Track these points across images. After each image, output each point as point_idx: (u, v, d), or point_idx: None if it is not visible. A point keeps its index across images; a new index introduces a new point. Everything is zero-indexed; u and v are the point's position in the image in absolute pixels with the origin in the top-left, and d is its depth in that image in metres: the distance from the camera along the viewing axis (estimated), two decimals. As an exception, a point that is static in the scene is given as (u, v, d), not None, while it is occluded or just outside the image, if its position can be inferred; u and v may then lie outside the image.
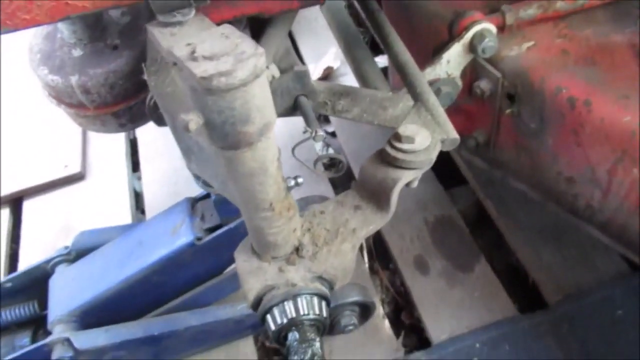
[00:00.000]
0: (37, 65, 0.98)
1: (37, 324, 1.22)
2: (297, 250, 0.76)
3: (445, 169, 1.60)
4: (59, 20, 0.73)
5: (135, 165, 1.85)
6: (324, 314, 0.75)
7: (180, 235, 1.04)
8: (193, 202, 1.11)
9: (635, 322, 1.21)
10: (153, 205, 1.62)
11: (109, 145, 1.84)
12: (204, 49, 0.56)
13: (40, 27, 1.03)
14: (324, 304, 0.76)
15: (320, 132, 0.92)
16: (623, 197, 0.99)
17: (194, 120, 0.57)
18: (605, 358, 1.17)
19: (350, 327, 1.24)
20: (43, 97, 1.04)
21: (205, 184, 0.98)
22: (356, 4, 1.19)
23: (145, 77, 0.80)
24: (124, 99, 1.00)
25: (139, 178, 1.81)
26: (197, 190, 1.59)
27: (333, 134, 1.78)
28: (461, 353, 1.22)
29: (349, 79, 1.92)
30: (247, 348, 1.29)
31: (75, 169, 1.72)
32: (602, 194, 1.03)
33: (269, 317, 0.74)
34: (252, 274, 0.75)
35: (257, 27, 0.98)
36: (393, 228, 1.47)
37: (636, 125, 0.90)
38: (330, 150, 1.47)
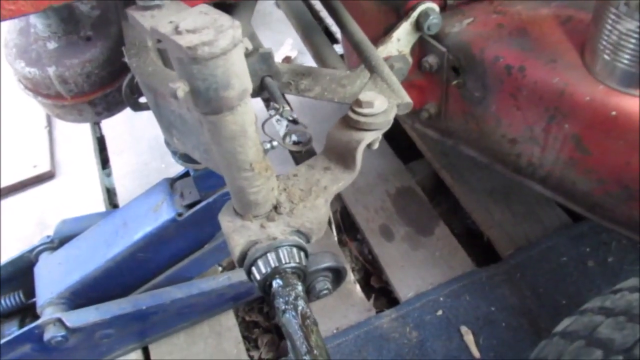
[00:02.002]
0: (13, 59, 1.03)
1: (24, 314, 1.25)
2: (276, 208, 0.84)
3: (402, 145, 1.71)
4: (43, 10, 0.79)
5: (103, 163, 1.88)
6: (303, 262, 0.84)
7: (163, 213, 1.10)
8: (171, 182, 1.17)
9: (578, 265, 1.35)
10: (126, 198, 1.67)
11: (77, 144, 1.87)
12: (187, 24, 0.63)
13: (13, 22, 1.08)
14: (302, 254, 0.84)
15: (287, 108, 1.00)
16: (558, 150, 1.11)
17: (181, 88, 0.65)
18: (554, 298, 1.30)
19: (325, 292, 1.31)
20: (18, 90, 1.09)
21: (184, 160, 1.05)
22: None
23: (126, 59, 0.86)
24: (100, 87, 1.06)
25: (108, 175, 1.85)
26: (169, 179, 1.65)
27: (294, 122, 1.86)
28: (427, 306, 1.33)
29: (307, 67, 2.01)
30: (229, 321, 1.37)
31: (44, 168, 1.74)
32: (540, 150, 1.15)
33: (254, 269, 0.82)
34: (237, 232, 0.83)
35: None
36: (358, 201, 1.57)
37: (565, 84, 1.02)
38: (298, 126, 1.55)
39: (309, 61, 2.03)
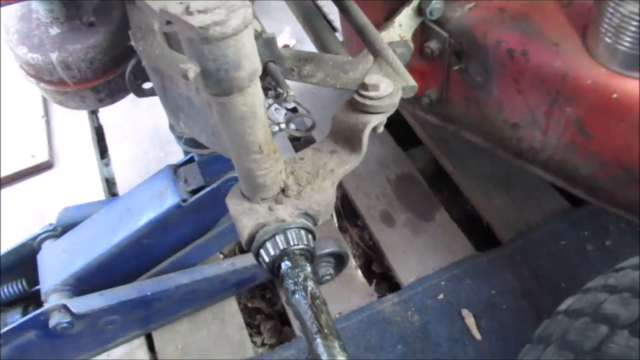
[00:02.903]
0: (15, 44, 1.02)
1: (26, 302, 1.25)
2: (283, 190, 0.85)
3: (402, 132, 1.72)
4: (49, -7, 0.78)
5: (101, 152, 1.88)
6: (311, 244, 0.84)
7: (167, 198, 1.10)
8: (175, 168, 1.17)
9: (577, 249, 1.37)
10: (125, 188, 1.66)
11: (75, 134, 1.86)
12: (198, 4, 0.63)
13: (14, 8, 1.07)
14: (310, 236, 0.85)
15: (292, 93, 1.00)
16: (560, 134, 1.12)
17: (192, 69, 0.65)
18: (554, 281, 1.32)
19: (327, 277, 1.34)
20: (15, 79, 1.08)
21: (189, 144, 1.05)
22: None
23: (133, 43, 0.86)
24: (103, 73, 1.05)
25: (107, 164, 1.84)
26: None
27: (294, 110, 1.87)
28: (428, 291, 1.34)
29: (305, 55, 2.01)
30: (232, 308, 1.37)
31: (43, 157, 1.74)
32: (542, 134, 1.16)
33: (262, 251, 0.82)
34: (245, 215, 0.83)
35: None
36: (359, 188, 1.58)
37: (567, 68, 1.03)
38: (300, 109, 1.56)
39: (307, 49, 2.02)
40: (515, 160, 1.28)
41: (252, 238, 0.83)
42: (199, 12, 0.62)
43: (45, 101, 1.94)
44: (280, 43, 2.03)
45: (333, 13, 2.08)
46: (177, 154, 1.73)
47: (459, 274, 1.35)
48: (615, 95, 0.97)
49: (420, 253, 1.42)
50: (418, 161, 1.67)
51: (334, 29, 2.14)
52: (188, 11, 0.63)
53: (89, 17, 1.04)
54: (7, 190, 1.70)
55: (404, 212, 1.52)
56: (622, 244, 1.36)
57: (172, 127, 0.99)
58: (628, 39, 0.92)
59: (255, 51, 0.68)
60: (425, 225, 1.49)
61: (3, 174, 1.70)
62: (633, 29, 0.90)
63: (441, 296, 1.32)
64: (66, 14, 1.02)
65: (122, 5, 1.06)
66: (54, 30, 1.02)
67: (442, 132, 1.65)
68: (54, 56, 1.00)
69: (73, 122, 1.86)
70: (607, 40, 0.95)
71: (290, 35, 2.04)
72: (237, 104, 0.70)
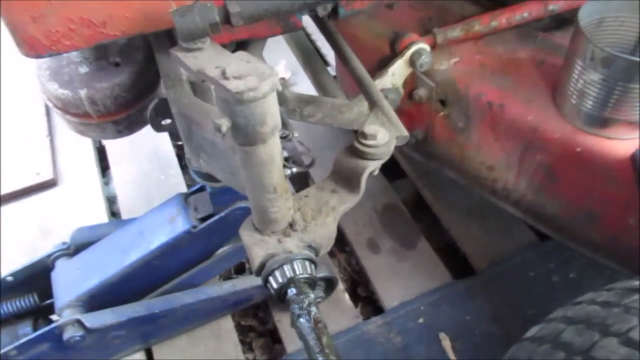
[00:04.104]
0: (47, 80, 1.12)
1: (36, 315, 1.33)
2: (291, 225, 0.96)
3: (388, 165, 1.84)
4: (94, 45, 0.89)
5: (102, 171, 1.96)
6: (314, 273, 0.96)
7: (178, 224, 1.20)
8: (185, 197, 1.28)
9: (544, 279, 1.50)
10: (127, 207, 1.75)
11: (78, 153, 1.94)
12: (233, 70, 0.75)
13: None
14: (313, 266, 0.96)
15: (296, 134, 1.12)
16: (530, 178, 1.26)
17: (225, 124, 0.76)
18: (523, 309, 1.45)
19: (318, 299, 1.45)
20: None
21: (204, 178, 1.16)
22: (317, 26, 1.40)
23: (164, 91, 0.97)
24: (125, 108, 1.16)
25: (106, 183, 1.93)
26: (169, 190, 1.75)
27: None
28: (410, 315, 1.46)
29: (300, 88, 2.14)
30: (228, 325, 1.47)
31: (47, 175, 1.81)
32: (515, 177, 1.29)
33: (271, 278, 0.93)
34: (257, 245, 0.94)
35: (238, 46, 1.18)
36: (347, 216, 1.69)
37: (537, 122, 1.16)
38: (301, 148, 1.68)
39: (301, 81, 2.15)
40: (491, 198, 1.41)
41: (262, 266, 0.94)
42: (235, 77, 0.74)
43: (49, 120, 2.02)
44: (276, 75, 2.15)
45: (326, 47, 2.21)
46: (176, 177, 1.83)
47: (438, 299, 1.48)
48: (578, 149, 1.11)
49: (402, 279, 1.54)
50: (402, 192, 1.79)
51: (326, 63, 2.27)
52: (225, 76, 0.75)
53: (115, 57, 1.15)
54: (12, 206, 1.77)
55: (389, 240, 1.64)
56: (584, 277, 1.50)
57: (189, 161, 1.09)
58: (590, 102, 1.06)
59: (277, 109, 0.80)
60: (408, 253, 1.61)
61: (9, 191, 1.76)
62: (594, 94, 1.05)
63: (421, 320, 1.44)
64: (95, 55, 1.13)
65: (145, 49, 1.17)
66: (83, 69, 1.13)
67: (425, 167, 1.78)
68: (82, 92, 1.10)
69: (76, 141, 1.95)
70: (573, 101, 1.10)
71: (286, 68, 2.17)
72: (259, 153, 0.82)
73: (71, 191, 1.83)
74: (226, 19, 0.84)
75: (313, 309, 0.89)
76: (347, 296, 1.54)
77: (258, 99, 0.74)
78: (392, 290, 1.53)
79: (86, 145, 1.97)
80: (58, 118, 1.21)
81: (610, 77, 1.00)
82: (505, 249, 1.59)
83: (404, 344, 1.40)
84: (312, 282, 0.96)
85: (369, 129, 1.01)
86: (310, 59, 1.48)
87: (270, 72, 0.75)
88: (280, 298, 0.95)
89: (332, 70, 2.14)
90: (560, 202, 1.25)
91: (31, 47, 0.87)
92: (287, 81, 2.16)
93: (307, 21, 1.49)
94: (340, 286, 1.56)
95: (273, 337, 1.52)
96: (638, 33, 1.13)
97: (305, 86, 2.10)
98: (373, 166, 1.00)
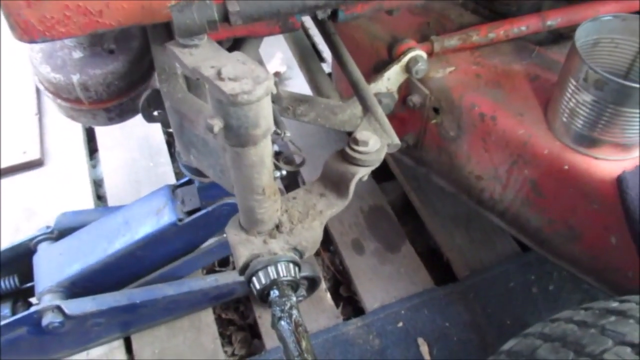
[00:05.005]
0: (39, 63, 1.10)
1: (15, 297, 1.32)
2: (278, 226, 0.96)
3: (378, 166, 1.85)
4: (88, 33, 0.88)
5: (90, 153, 1.94)
6: (297, 276, 0.96)
7: (164, 216, 1.20)
8: (173, 188, 1.27)
9: (523, 290, 1.53)
10: (114, 192, 1.74)
11: (66, 133, 1.92)
12: (228, 71, 0.75)
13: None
14: (296, 268, 0.97)
15: (288, 134, 1.12)
16: (517, 190, 1.27)
17: (217, 124, 0.76)
18: (501, 318, 1.47)
19: (300, 298, 1.46)
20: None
21: (193, 172, 1.16)
22: (316, 26, 1.39)
23: (158, 84, 0.96)
24: (117, 96, 1.15)
25: (94, 166, 1.91)
26: (157, 178, 1.75)
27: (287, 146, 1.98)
28: (389, 318, 1.47)
29: (295, 82, 2.13)
30: (208, 318, 1.47)
31: (34, 155, 1.79)
32: (502, 188, 1.31)
33: (254, 279, 0.94)
34: (242, 244, 0.95)
35: (235, 42, 1.17)
36: (334, 215, 1.70)
37: (528, 136, 1.18)
38: (292, 148, 1.68)
39: (296, 75, 2.14)
40: (477, 207, 1.42)
41: (246, 266, 0.94)
42: (230, 79, 0.74)
43: (39, 99, 1.99)
44: (271, 69, 2.15)
45: (323, 43, 2.20)
46: (165, 165, 1.82)
47: (418, 304, 1.49)
48: (566, 167, 1.13)
49: (385, 281, 1.56)
50: (389, 194, 1.80)
51: (322, 59, 2.27)
52: (220, 76, 0.74)
53: (110, 44, 1.13)
54: (-4, 185, 1.75)
55: (374, 241, 1.65)
56: (563, 290, 1.53)
57: (178, 155, 1.09)
58: (580, 121, 1.08)
59: (270, 112, 0.79)
60: (391, 256, 1.62)
61: (-6, 168, 1.75)
62: (585, 114, 1.06)
63: (400, 324, 1.45)
64: (90, 40, 1.12)
65: (141, 37, 1.16)
66: (77, 54, 1.11)
67: (414, 171, 1.80)
68: (75, 78, 1.09)
69: (65, 122, 1.91)
70: (564, 118, 1.11)
71: (282, 61, 2.16)
72: (249, 154, 0.82)
73: (57, 172, 1.81)
74: (225, 17, 0.83)
75: (294, 312, 0.90)
76: (329, 295, 1.55)
77: (252, 102, 0.73)
78: (373, 292, 1.54)
79: (75, 127, 1.95)
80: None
81: (602, 99, 1.01)
82: (488, 258, 1.61)
83: (382, 346, 1.41)
84: (295, 285, 0.96)
85: (360, 135, 1.02)
86: (307, 56, 1.48)
87: (265, 75, 0.74)
88: (263, 299, 0.95)
89: (327, 67, 2.14)
90: (544, 216, 1.27)
91: (24, 32, 0.86)
92: (283, 75, 2.16)
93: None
94: (323, 285, 1.57)
95: (253, 332, 1.53)
96: (632, 56, 1.14)
97: (300, 80, 2.09)
98: (363, 172, 1.00)
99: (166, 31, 1.02)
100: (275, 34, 1.06)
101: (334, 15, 1.07)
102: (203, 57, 0.83)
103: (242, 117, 0.75)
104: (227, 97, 0.72)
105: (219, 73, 0.75)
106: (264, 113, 0.77)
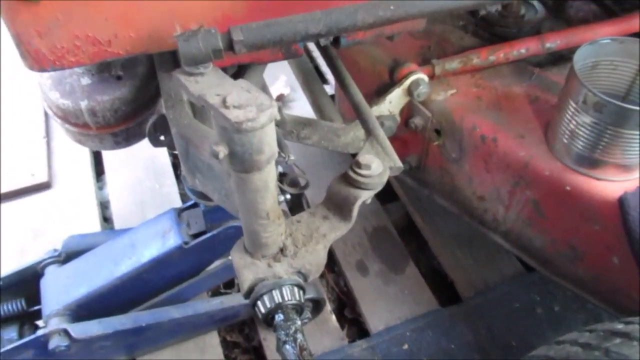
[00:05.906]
0: (48, 89, 1.13)
1: (22, 320, 1.33)
2: (282, 250, 0.97)
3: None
4: (97, 62, 0.91)
5: (97, 175, 1.96)
6: (302, 300, 0.97)
7: (170, 239, 1.21)
8: (179, 212, 1.29)
9: (528, 311, 1.52)
10: (120, 212, 1.76)
11: (73, 156, 1.95)
12: (233, 99, 0.76)
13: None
14: (301, 292, 0.97)
15: (292, 157, 1.14)
16: (519, 211, 1.28)
17: (222, 151, 0.78)
18: (506, 339, 1.46)
19: (305, 320, 1.46)
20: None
21: (198, 196, 1.17)
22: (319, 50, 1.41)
23: (164, 110, 0.98)
24: (124, 121, 1.17)
25: (100, 188, 1.93)
26: (162, 199, 1.76)
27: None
28: (394, 340, 1.47)
29: (299, 104, 2.16)
30: (213, 340, 1.47)
31: (42, 177, 1.81)
32: (504, 209, 1.32)
33: (259, 302, 0.94)
34: (246, 268, 0.95)
35: (240, 68, 1.19)
36: (337, 237, 1.71)
37: (529, 158, 1.19)
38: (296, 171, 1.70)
39: (300, 97, 2.17)
40: (480, 227, 1.43)
41: (251, 290, 0.95)
42: (235, 107, 0.75)
43: (47, 122, 2.02)
44: (275, 92, 2.17)
45: (326, 66, 2.23)
46: (170, 186, 1.84)
47: (423, 325, 1.49)
48: (567, 187, 1.14)
49: (389, 303, 1.56)
50: (393, 215, 1.81)
51: (325, 81, 2.30)
52: (225, 104, 0.76)
53: (117, 71, 1.16)
54: (4, 206, 1.77)
55: (378, 262, 1.66)
56: (568, 310, 1.52)
57: (184, 179, 1.10)
58: (581, 142, 1.09)
59: (274, 139, 0.81)
60: (396, 277, 1.62)
61: (3, 191, 1.76)
62: (585, 135, 1.07)
63: (405, 346, 1.45)
64: (97, 67, 1.14)
65: (147, 63, 1.18)
66: (85, 80, 1.14)
67: (417, 192, 1.81)
68: (83, 104, 1.11)
69: (73, 144, 1.94)
70: (564, 140, 1.12)
71: (285, 83, 2.18)
72: (254, 180, 0.83)
73: (65, 194, 1.83)
74: (229, 46, 0.85)
75: (299, 336, 0.91)
76: (334, 317, 1.55)
77: (256, 130, 0.75)
78: (378, 313, 1.54)
79: (82, 149, 1.97)
80: (56, 121, 1.22)
81: (601, 121, 1.02)
82: (492, 279, 1.61)
83: (387, 368, 1.41)
84: (299, 309, 0.97)
85: (363, 158, 1.03)
86: (310, 79, 1.50)
87: (269, 103, 0.76)
88: (268, 322, 0.96)
89: (330, 89, 2.16)
90: (547, 237, 1.27)
91: (35, 61, 0.88)
92: (287, 97, 2.18)
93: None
94: (328, 307, 1.57)
95: (258, 355, 1.52)
96: (630, 77, 1.15)
97: (303, 102, 2.11)
98: (366, 196, 1.01)
99: (172, 59, 1.04)
100: (278, 60, 1.08)
101: (336, 41, 1.10)
102: (208, 84, 0.85)
103: (246, 144, 0.77)
104: (231, 124, 0.73)
105: (224, 101, 0.76)
106: (268, 139, 0.78)
